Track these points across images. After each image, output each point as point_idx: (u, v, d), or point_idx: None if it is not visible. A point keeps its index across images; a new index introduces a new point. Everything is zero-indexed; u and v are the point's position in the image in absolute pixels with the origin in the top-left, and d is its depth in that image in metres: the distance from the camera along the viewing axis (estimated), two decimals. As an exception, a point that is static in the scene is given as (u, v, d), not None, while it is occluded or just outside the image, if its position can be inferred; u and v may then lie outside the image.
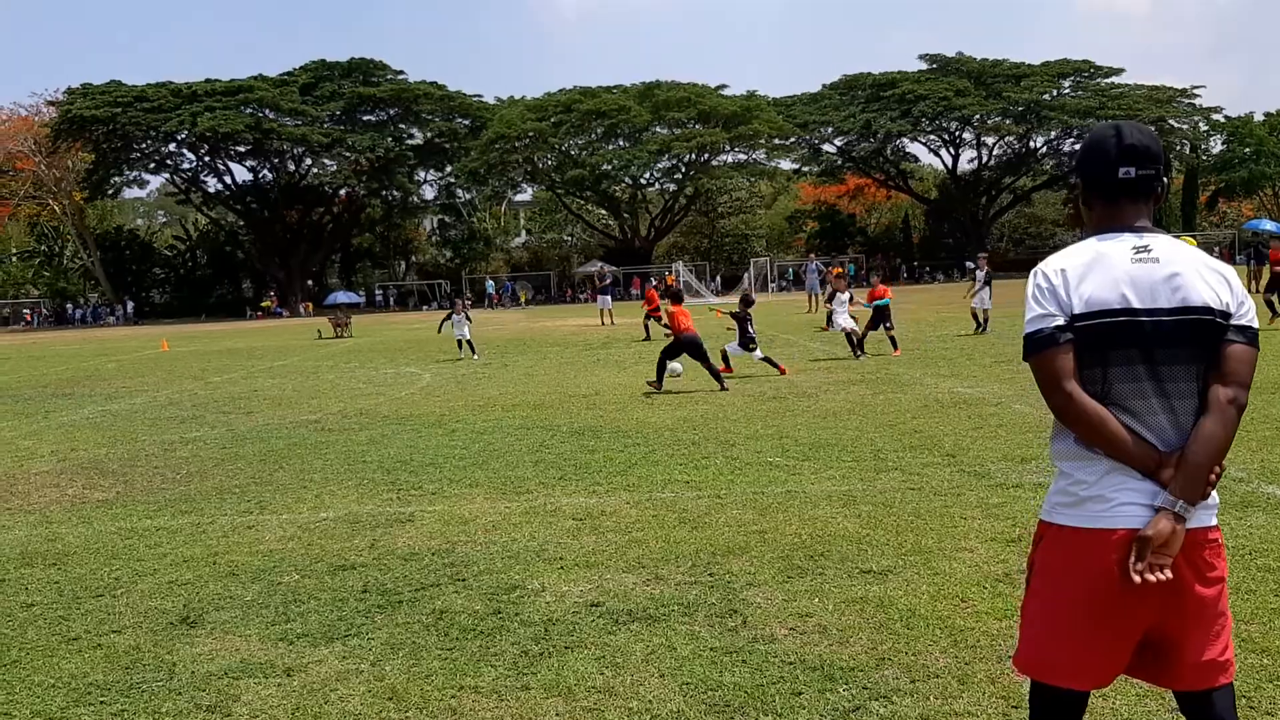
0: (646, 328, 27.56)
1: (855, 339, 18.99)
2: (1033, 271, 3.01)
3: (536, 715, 4.47)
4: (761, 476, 9.06)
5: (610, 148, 74.30)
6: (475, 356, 23.32)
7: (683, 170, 76.65)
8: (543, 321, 42.37)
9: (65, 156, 73.65)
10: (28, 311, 78.95)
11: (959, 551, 6.47)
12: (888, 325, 19.83)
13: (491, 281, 76.40)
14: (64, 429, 14.89)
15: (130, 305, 77.65)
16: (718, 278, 74.98)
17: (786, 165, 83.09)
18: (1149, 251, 2.89)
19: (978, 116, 74.80)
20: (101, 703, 4.78)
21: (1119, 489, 2.85)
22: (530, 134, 71.91)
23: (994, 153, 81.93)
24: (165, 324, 65.25)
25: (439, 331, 26.64)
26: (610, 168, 73.84)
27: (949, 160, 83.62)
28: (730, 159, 77.18)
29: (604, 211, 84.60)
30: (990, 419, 11.49)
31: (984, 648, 4.93)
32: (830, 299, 21.77)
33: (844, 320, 19.57)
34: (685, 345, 15.60)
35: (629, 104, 71.88)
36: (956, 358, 18.57)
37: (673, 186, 79.34)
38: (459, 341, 23.80)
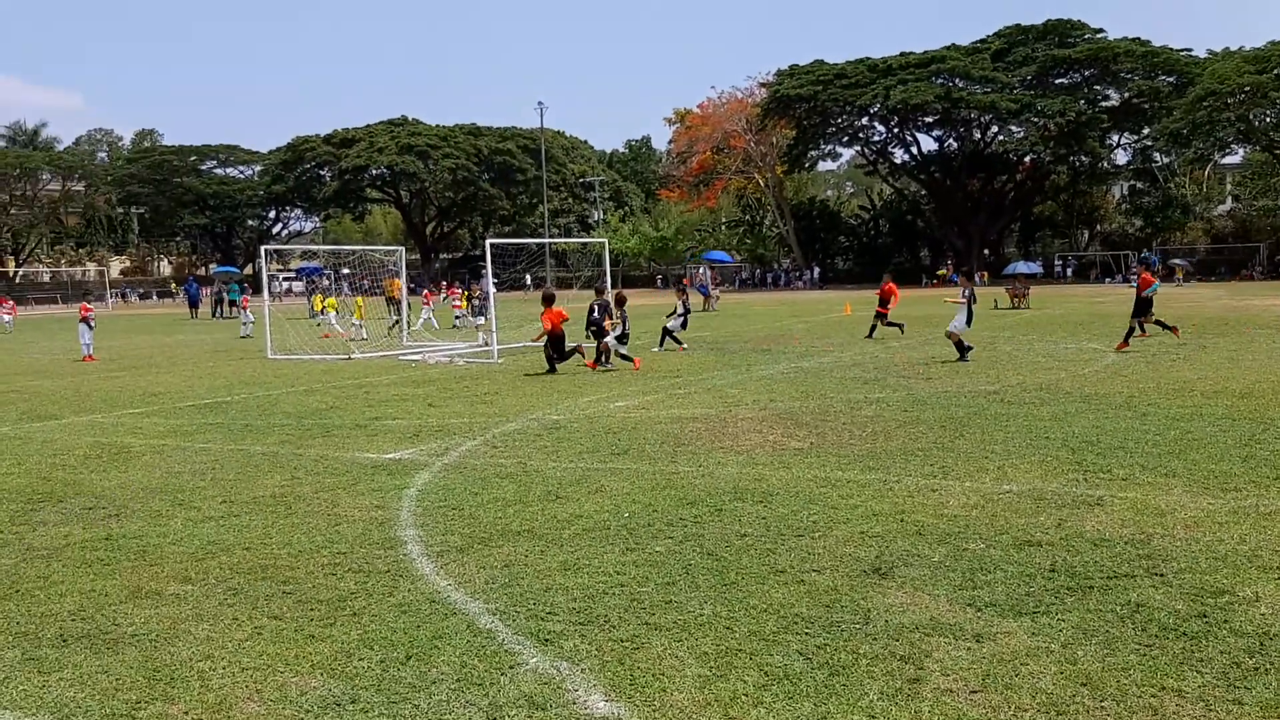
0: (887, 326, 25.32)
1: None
2: None
3: (1252, 737, 4.03)
4: None
5: (1349, 99, 63.36)
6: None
7: None
8: (1248, 300, 37.71)
9: (770, 133, 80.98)
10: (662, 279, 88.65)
11: None
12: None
13: (1151, 255, 68.86)
14: (763, 381, 16.49)
15: (816, 270, 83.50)
16: None
17: None
18: None
19: None
20: (806, 634, 5.24)
21: None
22: (1247, 88, 63.89)
23: None
24: (847, 288, 69.15)
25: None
26: (1348, 123, 63.09)
27: None
28: None
29: (1336, 174, 72.67)
30: None
31: None
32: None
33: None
34: (555, 341, 18.71)
35: (1378, 46, 60.70)
36: None
37: None
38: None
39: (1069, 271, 75.89)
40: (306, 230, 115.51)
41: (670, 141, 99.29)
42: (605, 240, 31.18)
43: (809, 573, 6.22)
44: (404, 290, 30.33)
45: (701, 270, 54.19)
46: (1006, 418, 11.91)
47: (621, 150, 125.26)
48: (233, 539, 7.48)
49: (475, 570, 6.51)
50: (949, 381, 15.62)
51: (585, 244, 54.17)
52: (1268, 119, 67.37)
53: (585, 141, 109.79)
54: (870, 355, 20.43)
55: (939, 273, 76.21)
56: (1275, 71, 63.35)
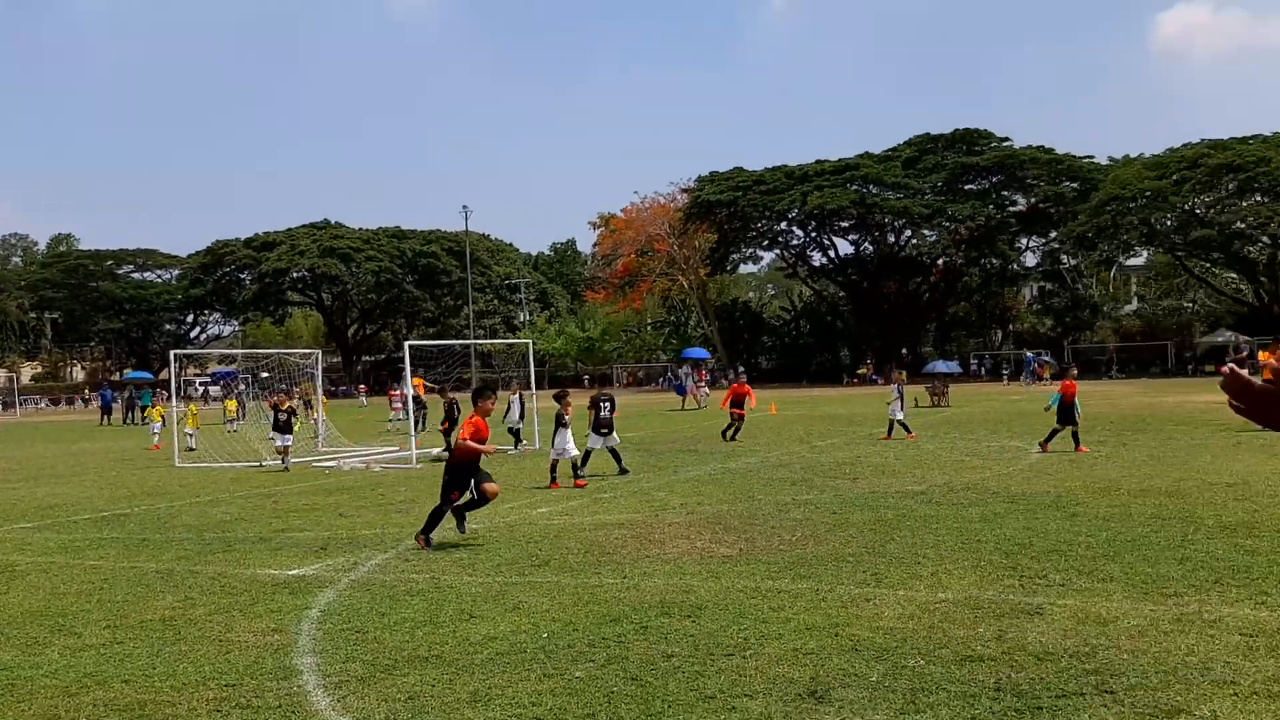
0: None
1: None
2: None
3: None
4: None
5: (1244, 204, 66.25)
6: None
7: (1340, 225, 66.10)
8: (1162, 397, 38.53)
9: (693, 237, 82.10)
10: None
11: None
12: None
13: (1029, 355, 69.10)
14: (690, 483, 16.10)
15: (741, 370, 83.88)
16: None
17: None
18: None
19: None
20: (738, 770, 4.78)
21: None
22: (1148, 193, 66.52)
23: None
24: (771, 387, 69.43)
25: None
26: (1244, 226, 65.81)
27: None
28: None
29: (1234, 275, 75.54)
30: None
31: None
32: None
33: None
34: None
35: (1270, 155, 63.68)
36: None
37: (1326, 244, 68.65)
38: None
39: (984, 370, 77.27)
40: (225, 334, 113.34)
41: (595, 244, 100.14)
42: (530, 341, 30.83)
43: (740, 698, 5.76)
44: (319, 394, 29.51)
45: (684, 369, 54.59)
46: (936, 520, 11.65)
47: (547, 253, 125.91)
48: (112, 670, 6.80)
49: (376, 704, 5.93)
50: (875, 481, 15.39)
51: (510, 345, 53.78)
52: (1168, 222, 70.01)
53: (510, 244, 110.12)
54: (796, 455, 20.20)
55: (859, 371, 77.17)
56: (1174, 177, 66.12)
